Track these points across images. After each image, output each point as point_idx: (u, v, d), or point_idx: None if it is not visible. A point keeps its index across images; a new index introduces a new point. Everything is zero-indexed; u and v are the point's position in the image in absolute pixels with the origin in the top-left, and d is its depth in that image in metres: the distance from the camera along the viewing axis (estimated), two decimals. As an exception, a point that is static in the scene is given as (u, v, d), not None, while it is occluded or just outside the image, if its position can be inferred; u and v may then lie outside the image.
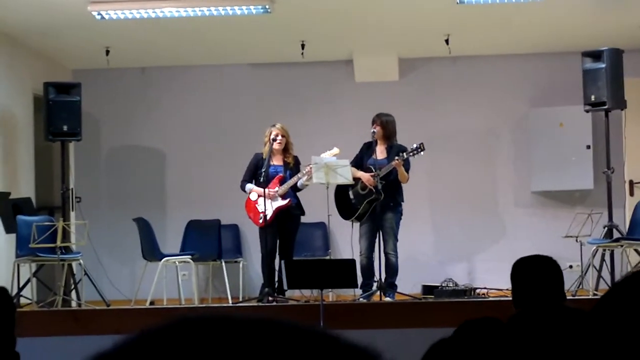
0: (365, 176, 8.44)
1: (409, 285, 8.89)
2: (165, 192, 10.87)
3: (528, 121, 10.49)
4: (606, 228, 8.87)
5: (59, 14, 8.81)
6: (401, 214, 8.53)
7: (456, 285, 8.81)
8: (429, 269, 10.05)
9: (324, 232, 9.86)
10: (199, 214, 10.18)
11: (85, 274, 8.80)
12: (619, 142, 9.90)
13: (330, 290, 8.88)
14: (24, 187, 9.62)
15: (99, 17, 8.80)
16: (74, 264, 8.94)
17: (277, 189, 8.41)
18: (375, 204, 8.38)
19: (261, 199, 8.31)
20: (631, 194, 10.25)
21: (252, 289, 9.89)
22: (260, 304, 8.21)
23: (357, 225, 8.60)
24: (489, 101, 10.66)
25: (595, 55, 9.04)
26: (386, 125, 8.56)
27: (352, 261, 7.29)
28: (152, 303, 8.98)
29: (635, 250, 8.63)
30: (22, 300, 8.41)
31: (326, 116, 10.65)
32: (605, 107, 8.95)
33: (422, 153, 8.43)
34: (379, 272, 8.30)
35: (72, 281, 8.97)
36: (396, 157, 8.34)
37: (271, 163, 8.47)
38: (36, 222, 8.35)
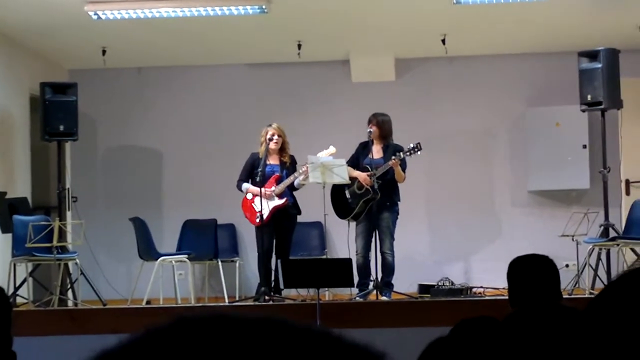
0: (361, 175, 8.44)
1: (405, 284, 8.90)
2: (161, 192, 10.87)
3: (525, 121, 10.50)
4: (602, 227, 8.88)
5: (55, 14, 8.81)
6: (397, 213, 8.54)
7: (452, 284, 8.82)
8: (425, 268, 10.06)
9: (321, 231, 9.85)
10: (195, 213, 10.18)
11: (82, 273, 8.80)
12: (615, 141, 9.91)
13: (326, 289, 8.89)
14: (20, 187, 9.61)
15: (95, 17, 8.79)
16: (70, 264, 8.95)
17: (273, 188, 8.41)
18: (372, 203, 8.39)
19: (258, 199, 8.31)
20: (627, 193, 10.27)
21: (249, 289, 9.90)
22: (256, 303, 8.21)
23: (353, 224, 8.60)
24: (486, 101, 10.67)
25: (592, 55, 9.05)
26: (382, 125, 8.56)
27: (349, 260, 7.29)
28: (148, 302, 8.98)
29: (632, 249, 8.64)
30: (19, 300, 8.41)
31: (323, 116, 10.65)
32: (602, 106, 8.97)
33: (419, 153, 8.44)
34: (376, 272, 8.30)
35: (68, 281, 8.97)
36: (393, 157, 8.34)
37: (267, 162, 8.47)
38: (32, 221, 8.35)
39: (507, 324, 3.22)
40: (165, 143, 10.86)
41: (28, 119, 9.96)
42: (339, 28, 9.59)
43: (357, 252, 8.48)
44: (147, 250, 9.26)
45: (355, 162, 8.61)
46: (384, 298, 8.26)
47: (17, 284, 8.42)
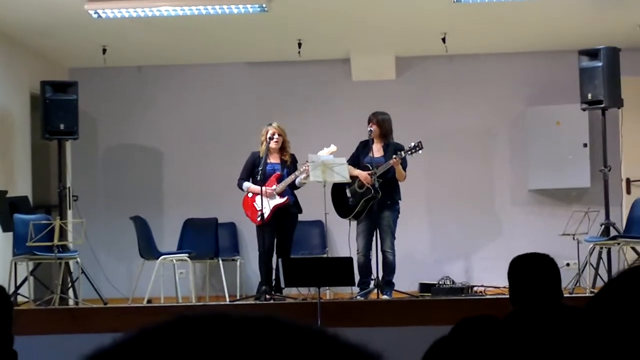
0: (362, 174, 8.44)
1: (406, 283, 8.89)
2: (162, 191, 10.87)
3: (525, 120, 10.50)
4: (603, 226, 8.88)
5: (56, 13, 8.81)
6: (398, 212, 8.54)
7: (453, 283, 8.81)
8: (426, 267, 10.06)
9: (321, 230, 9.85)
10: (196, 212, 10.18)
11: (83, 272, 8.80)
12: (615, 140, 9.91)
13: (327, 288, 8.88)
14: (21, 186, 9.61)
15: (95, 15, 8.79)
16: (71, 263, 8.95)
17: (274, 187, 8.41)
18: (373, 202, 8.38)
19: (259, 197, 8.31)
20: (628, 192, 10.27)
21: (250, 287, 9.90)
22: (257, 302, 8.21)
23: (354, 223, 8.60)
24: (486, 100, 10.67)
25: (592, 54, 9.05)
26: (382, 124, 8.56)
27: (350, 259, 7.28)
28: (149, 301, 8.98)
29: (632, 248, 8.64)
30: (20, 299, 8.41)
31: (323, 115, 10.65)
32: (602, 105, 8.96)
33: (420, 152, 8.44)
34: (376, 270, 8.30)
35: (69, 279, 8.97)
36: (394, 156, 8.34)
37: (268, 161, 8.48)
38: (33, 220, 8.35)
39: (507, 322, 3.22)
40: (165, 142, 10.86)
41: (28, 117, 9.96)
42: (339, 27, 9.58)
43: (358, 251, 8.48)
44: (148, 249, 9.26)
45: (355, 161, 8.61)
46: (385, 297, 8.26)
47: (18, 283, 8.42)
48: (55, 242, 8.21)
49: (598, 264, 8.62)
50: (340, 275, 7.15)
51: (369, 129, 8.51)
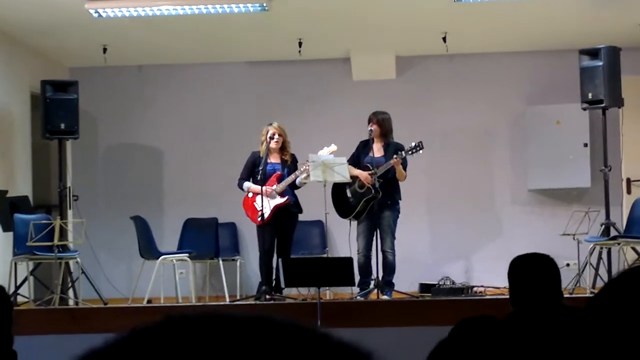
0: (363, 174, 8.44)
1: (406, 283, 8.89)
2: (162, 190, 10.87)
3: (525, 119, 10.49)
4: (603, 226, 8.87)
5: (56, 12, 8.81)
6: (399, 212, 8.53)
7: (453, 283, 8.81)
8: (426, 267, 10.06)
9: (322, 230, 9.85)
10: (196, 212, 10.19)
11: (83, 272, 8.80)
12: (616, 140, 9.91)
13: (327, 288, 8.88)
14: (21, 186, 9.61)
15: (96, 15, 8.79)
16: (71, 262, 8.94)
17: (275, 186, 8.41)
18: (373, 202, 8.38)
19: (259, 197, 8.31)
20: (628, 192, 10.26)
21: (250, 287, 9.90)
22: (257, 302, 8.21)
23: (354, 223, 8.60)
24: (486, 99, 10.67)
25: (593, 53, 9.05)
26: (382, 124, 8.55)
27: (350, 259, 7.28)
28: (149, 301, 8.98)
29: (633, 248, 8.64)
30: (20, 299, 8.41)
31: (323, 114, 10.65)
32: (603, 105, 8.96)
33: (420, 152, 8.43)
34: (377, 270, 8.30)
35: (69, 279, 8.97)
36: (395, 156, 8.33)
37: (268, 161, 8.47)
38: (33, 220, 8.35)
39: (507, 323, 3.22)
40: (165, 141, 10.86)
41: (29, 117, 9.96)
42: (339, 26, 9.58)
43: (358, 251, 8.48)
44: (148, 249, 9.26)
45: (356, 160, 8.60)
46: (385, 297, 8.26)
47: (18, 283, 8.42)
48: (56, 242, 8.21)
49: (598, 264, 8.61)
50: (340, 276, 7.15)
51: (369, 128, 8.50)
